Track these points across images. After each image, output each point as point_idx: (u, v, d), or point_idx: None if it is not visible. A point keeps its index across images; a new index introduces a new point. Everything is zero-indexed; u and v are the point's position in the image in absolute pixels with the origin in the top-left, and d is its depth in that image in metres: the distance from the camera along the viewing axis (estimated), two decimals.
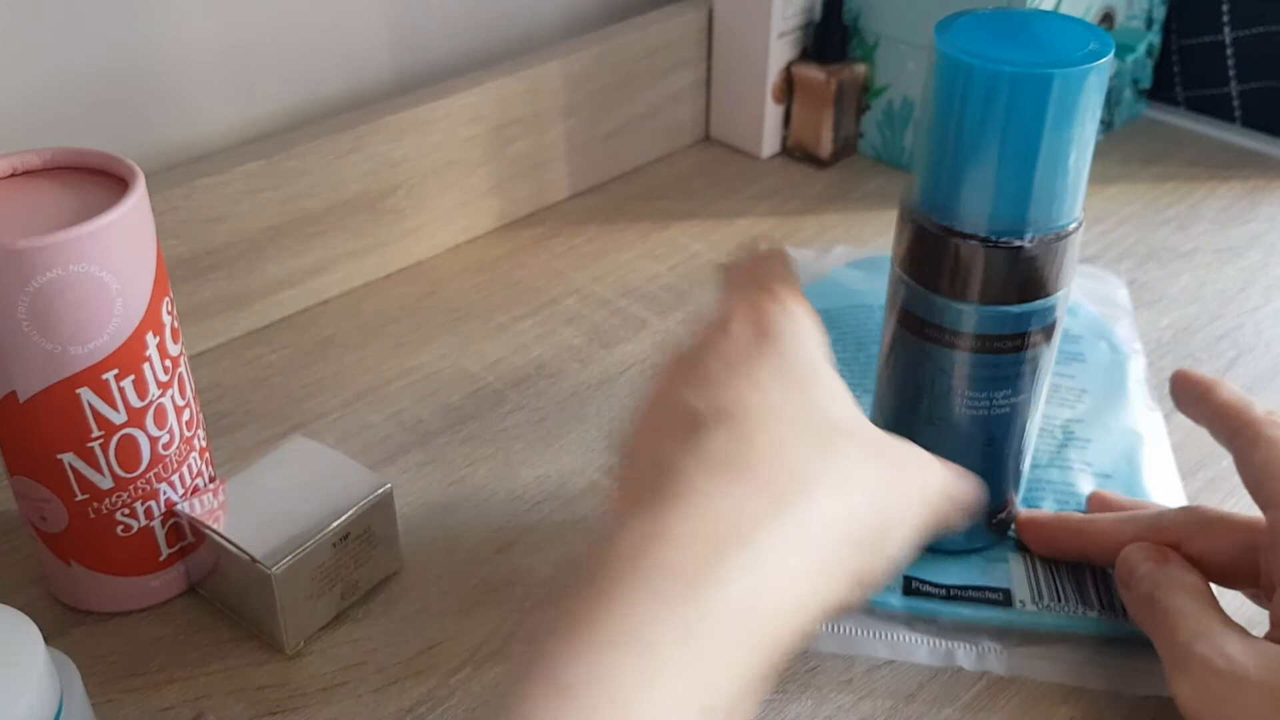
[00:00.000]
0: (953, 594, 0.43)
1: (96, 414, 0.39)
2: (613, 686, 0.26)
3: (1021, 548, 0.45)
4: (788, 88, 0.73)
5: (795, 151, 0.75)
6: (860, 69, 0.72)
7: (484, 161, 0.65)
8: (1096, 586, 0.43)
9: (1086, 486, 0.48)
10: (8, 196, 0.39)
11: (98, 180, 0.40)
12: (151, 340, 0.40)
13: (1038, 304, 0.39)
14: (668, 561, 0.28)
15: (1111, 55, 0.36)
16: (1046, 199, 0.38)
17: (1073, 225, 0.39)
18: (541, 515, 0.48)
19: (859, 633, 0.43)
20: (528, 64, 0.66)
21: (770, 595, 0.29)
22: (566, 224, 0.69)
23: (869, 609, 0.43)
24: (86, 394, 0.39)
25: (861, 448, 0.33)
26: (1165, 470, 0.50)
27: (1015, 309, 0.39)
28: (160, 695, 0.41)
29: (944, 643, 0.42)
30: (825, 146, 0.73)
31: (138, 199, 0.38)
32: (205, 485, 0.44)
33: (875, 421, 0.42)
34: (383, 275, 0.64)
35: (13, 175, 0.40)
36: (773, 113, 0.74)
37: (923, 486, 0.34)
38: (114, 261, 0.38)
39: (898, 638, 0.43)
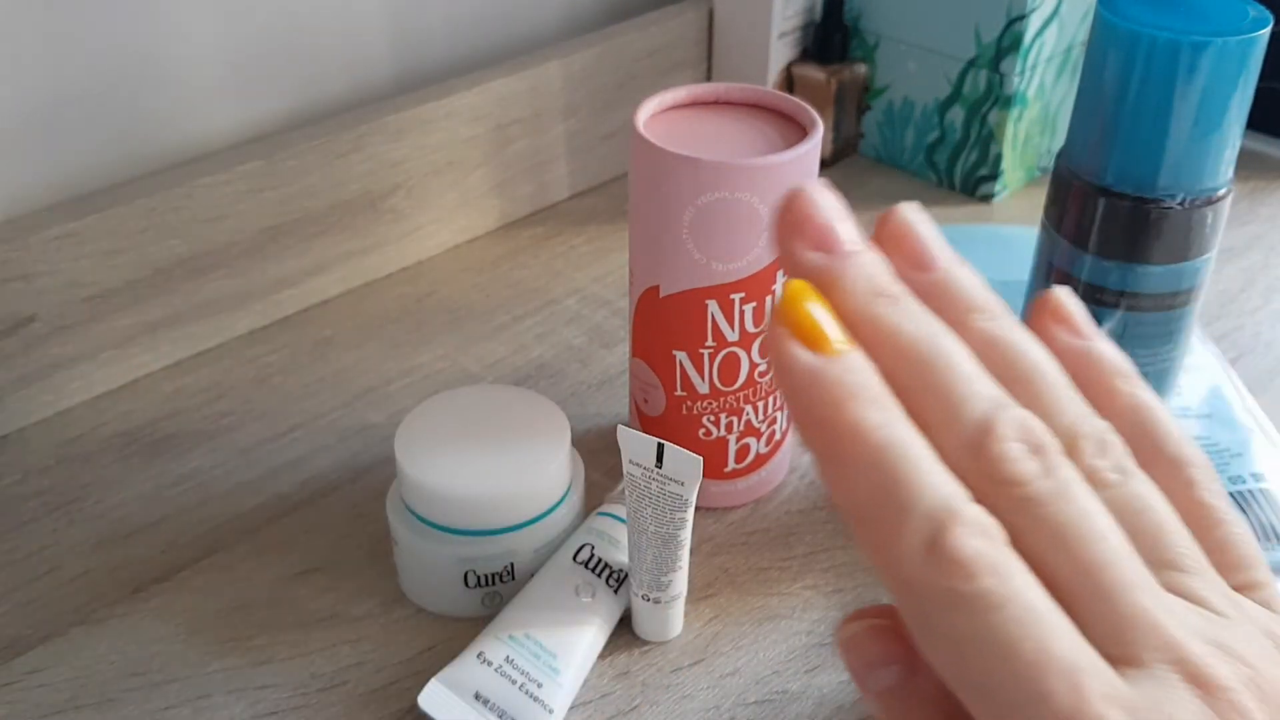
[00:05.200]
0: None
1: (715, 326, 0.43)
2: None
3: None
4: (788, 88, 0.73)
5: None
6: (860, 69, 0.72)
7: (484, 161, 0.65)
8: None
9: (1190, 429, 0.51)
10: (707, 119, 0.44)
11: (783, 122, 0.44)
12: (781, 276, 0.43)
13: (1203, 259, 0.42)
14: None
15: (1269, 27, 0.38)
16: (1216, 162, 0.40)
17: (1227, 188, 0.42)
18: None
19: None
20: (528, 64, 0.66)
21: None
22: (566, 224, 0.69)
23: None
24: (713, 306, 0.43)
25: None
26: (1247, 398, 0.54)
27: (1186, 265, 0.42)
28: (160, 694, 0.41)
29: None
30: (825, 146, 0.73)
31: (810, 148, 0.42)
32: (782, 418, 0.48)
33: None
34: (383, 275, 0.64)
35: (716, 103, 0.45)
36: None
37: None
38: (773, 198, 0.41)
39: None
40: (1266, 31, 0.38)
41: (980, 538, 0.20)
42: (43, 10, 0.52)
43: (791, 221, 0.23)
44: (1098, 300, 0.43)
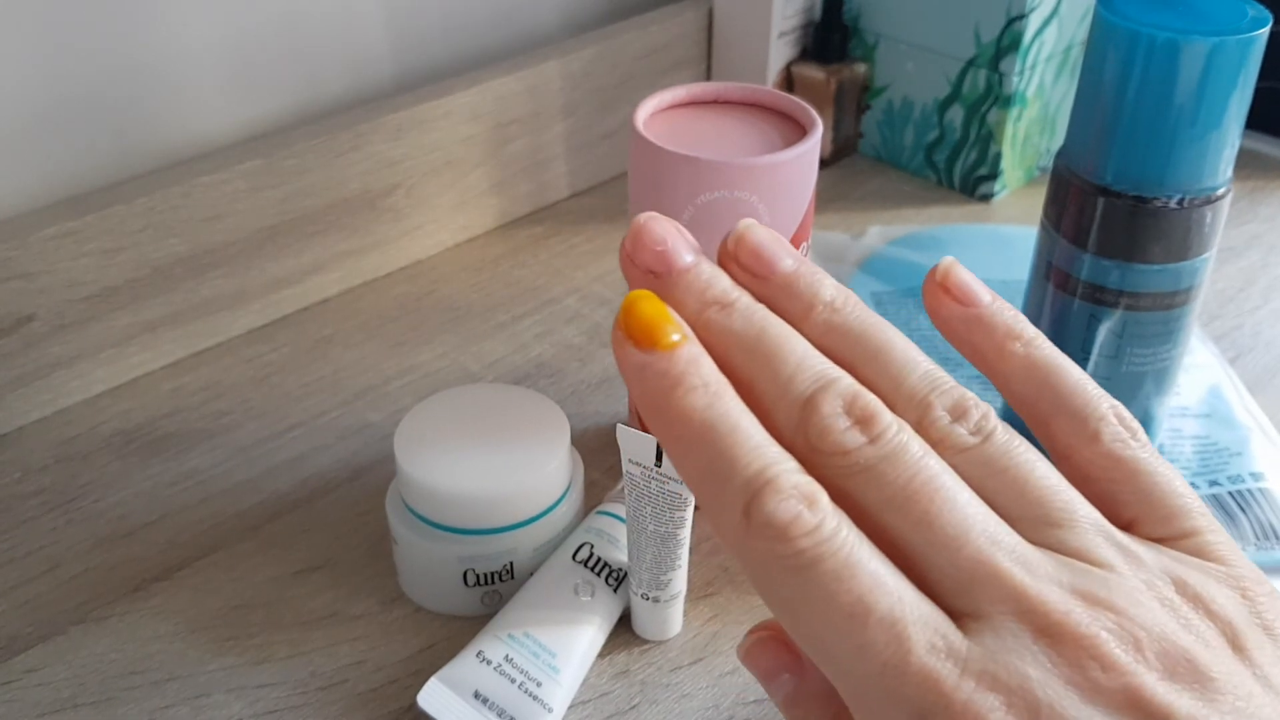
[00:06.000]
0: None
1: None
2: None
3: None
4: (787, 87, 0.73)
5: None
6: (860, 69, 0.72)
7: (483, 161, 0.65)
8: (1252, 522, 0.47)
9: (1189, 429, 0.52)
10: (707, 118, 0.44)
11: (783, 122, 0.44)
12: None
13: (1202, 258, 0.42)
14: None
15: (1269, 26, 0.38)
16: (1215, 161, 0.40)
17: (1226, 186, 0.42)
18: None
19: None
20: (527, 63, 0.66)
21: None
22: (566, 223, 0.69)
23: None
24: None
25: None
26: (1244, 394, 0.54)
27: (1185, 265, 0.42)
28: (159, 693, 0.41)
29: None
30: (825, 146, 0.73)
31: (809, 148, 0.41)
32: None
33: None
34: (382, 274, 0.64)
35: (715, 102, 0.45)
36: None
37: None
38: (772, 198, 0.41)
39: None
40: (1265, 31, 0.38)
41: (796, 501, 0.20)
42: (41, 8, 0.52)
43: (629, 251, 0.24)
44: (1097, 299, 0.43)
